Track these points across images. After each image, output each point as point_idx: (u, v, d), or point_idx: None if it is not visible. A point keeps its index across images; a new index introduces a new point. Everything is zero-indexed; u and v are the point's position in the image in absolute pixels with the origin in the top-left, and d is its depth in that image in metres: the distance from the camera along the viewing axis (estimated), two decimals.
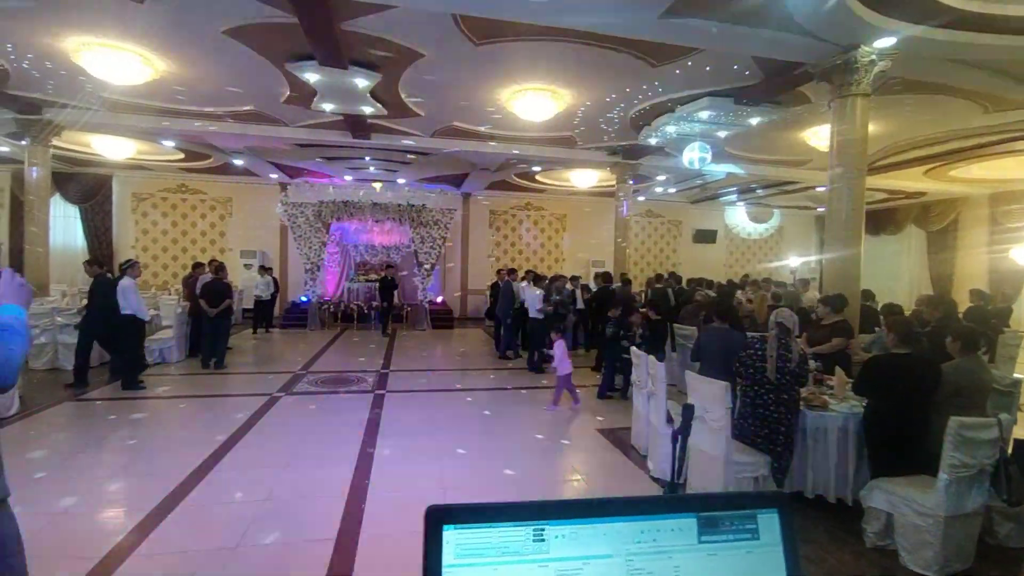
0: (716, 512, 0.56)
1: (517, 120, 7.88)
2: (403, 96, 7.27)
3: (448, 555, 0.49)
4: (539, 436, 5.11)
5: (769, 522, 0.59)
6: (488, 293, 12.70)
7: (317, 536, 3.09)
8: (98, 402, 5.90)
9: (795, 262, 15.31)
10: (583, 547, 0.53)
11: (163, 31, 5.48)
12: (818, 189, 12.13)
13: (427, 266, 12.92)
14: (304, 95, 7.23)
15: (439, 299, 14.02)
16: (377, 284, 12.32)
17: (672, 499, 0.61)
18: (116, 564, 2.75)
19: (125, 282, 6.47)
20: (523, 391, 6.86)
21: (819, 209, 15.04)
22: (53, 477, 3.80)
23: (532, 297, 8.35)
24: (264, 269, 12.13)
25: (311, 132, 9.09)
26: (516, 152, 9.87)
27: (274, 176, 13.20)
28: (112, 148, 10.24)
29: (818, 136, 8.32)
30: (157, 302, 9.06)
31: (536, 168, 11.65)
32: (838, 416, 3.63)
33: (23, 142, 8.75)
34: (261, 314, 11.54)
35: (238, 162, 11.58)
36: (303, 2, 4.59)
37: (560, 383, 6.04)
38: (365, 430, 5.05)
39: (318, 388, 6.71)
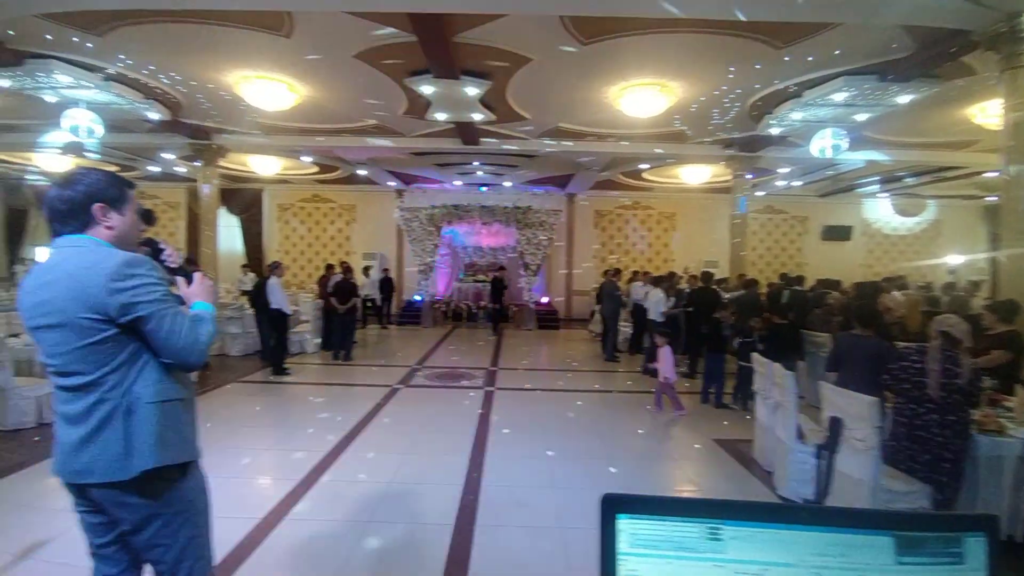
0: (918, 532, 0.51)
1: (624, 118, 7.70)
2: (511, 101, 7.47)
3: (623, 543, 0.50)
4: (650, 441, 4.96)
5: (976, 547, 0.52)
6: (594, 294, 12.57)
7: (437, 521, 3.28)
8: (256, 384, 6.82)
9: (955, 260, 13.16)
10: (762, 552, 0.51)
11: (305, 60, 6.18)
12: (987, 175, 10.31)
13: (533, 267, 13.12)
14: (419, 107, 7.73)
15: (545, 300, 14.16)
16: (488, 284, 12.77)
17: (867, 514, 0.56)
18: (273, 524, 3.16)
19: (272, 281, 7.42)
20: (633, 395, 6.68)
21: (988, 198, 12.78)
22: (221, 447, 4.42)
23: (656, 299, 7.91)
24: (368, 270, 13.12)
25: (426, 141, 9.67)
26: (623, 150, 9.66)
27: (392, 184, 14.25)
28: (263, 166, 11.78)
29: (986, 113, 7.07)
30: (297, 299, 10.22)
31: (644, 166, 11.30)
32: (1016, 443, 3.07)
33: (197, 163, 10.39)
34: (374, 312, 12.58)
35: (361, 172, 12.69)
36: (422, 20, 4.92)
37: (662, 388, 5.85)
38: (478, 424, 5.27)
39: (433, 382, 7.13)
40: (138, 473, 1.44)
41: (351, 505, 3.48)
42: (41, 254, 15.43)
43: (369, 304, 12.42)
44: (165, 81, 6.97)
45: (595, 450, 4.65)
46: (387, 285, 13.32)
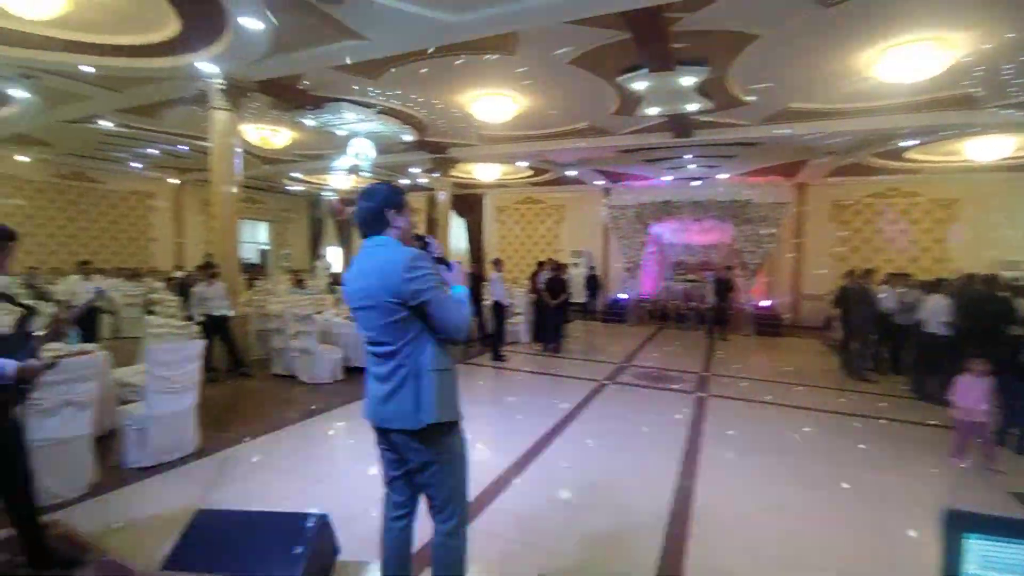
0: None
1: (880, 87, 6.38)
2: (731, 86, 6.86)
3: (970, 564, 0.44)
4: (908, 478, 4.02)
5: None
6: (832, 298, 10.71)
7: (646, 521, 3.24)
8: (477, 367, 7.72)
9: None
10: None
11: (526, 73, 6.70)
12: None
13: (752, 266, 11.86)
14: (630, 104, 7.66)
15: (766, 303, 12.67)
16: (699, 285, 12.02)
17: None
18: (495, 493, 3.54)
19: (493, 275, 8.29)
20: (893, 424, 5.47)
21: None
22: None
23: (935, 307, 6.17)
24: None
25: (635, 137, 9.55)
26: (881, 126, 8.00)
27: (599, 182, 14.46)
28: (486, 172, 13.19)
29: None
30: (512, 292, 11.18)
31: (908, 143, 9.17)
32: None
33: (435, 175, 12.19)
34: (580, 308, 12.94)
35: (570, 173, 13.19)
36: (637, 16, 4.87)
37: (968, 430, 4.29)
38: (689, 430, 5.02)
39: (641, 381, 7.03)
40: (424, 425, 1.80)
41: (563, 489, 3.68)
42: (333, 253, 20.10)
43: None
44: (416, 108, 8.35)
45: (835, 478, 3.98)
46: (593, 282, 13.60)
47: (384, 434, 1.95)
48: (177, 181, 15.92)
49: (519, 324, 9.89)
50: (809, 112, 7.80)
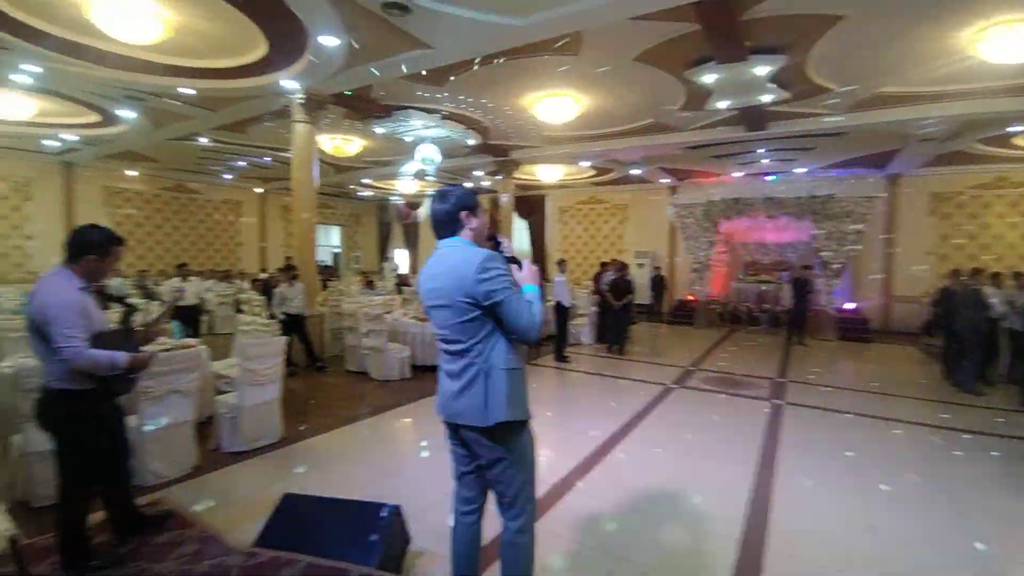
0: None
1: (983, 67, 5.75)
2: (811, 73, 6.44)
3: None
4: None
5: None
6: (931, 301, 9.76)
7: (719, 530, 3.12)
8: (540, 367, 7.74)
9: None
10: None
11: (589, 73, 6.64)
12: None
13: (834, 266, 11.05)
14: (698, 98, 7.39)
15: (850, 305, 11.76)
16: (773, 286, 11.38)
17: None
18: (558, 496, 3.54)
19: (556, 276, 8.25)
20: (1010, 440, 4.89)
21: None
22: None
23: None
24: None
25: (703, 133, 9.19)
26: (983, 110, 7.21)
27: (664, 180, 14.05)
28: (548, 174, 13.20)
29: None
30: (575, 293, 11.11)
31: (1017, 128, 8.20)
32: None
33: (498, 177, 12.34)
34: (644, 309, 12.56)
35: (635, 172, 12.91)
36: (707, 6, 4.69)
37: None
38: (764, 439, 4.76)
39: (710, 386, 6.75)
40: (493, 423, 1.84)
41: (629, 493, 3.61)
42: (400, 255, 20.90)
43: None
44: (479, 112, 8.51)
45: (938, 501, 3.63)
46: (658, 283, 13.24)
47: (455, 429, 2.01)
48: (261, 190, 17.21)
49: (582, 326, 9.81)
50: (901, 96, 7.17)
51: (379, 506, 2.62)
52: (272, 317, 6.84)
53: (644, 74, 6.60)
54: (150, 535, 2.76)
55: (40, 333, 2.28)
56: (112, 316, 2.89)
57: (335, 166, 13.29)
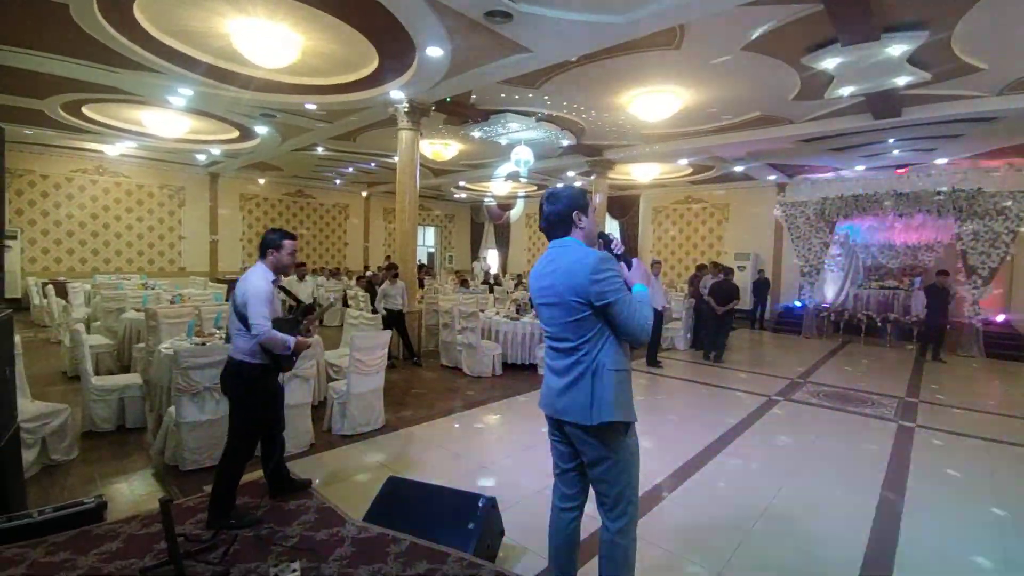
0: None
1: None
2: (957, 50, 5.64)
3: None
4: None
5: None
6: None
7: (834, 557, 2.84)
8: (633, 373, 7.51)
9: None
10: None
11: (692, 66, 6.35)
12: None
13: (982, 272, 9.59)
14: (816, 86, 6.78)
15: (1000, 318, 10.15)
16: (899, 292, 10.13)
17: None
18: (651, 504, 3.42)
19: (653, 279, 8.01)
20: None
21: None
22: None
23: None
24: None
25: (821, 124, 8.41)
26: None
27: (771, 177, 13.06)
28: (643, 173, 12.83)
29: None
30: (669, 297, 10.69)
31: None
32: None
33: (591, 177, 12.21)
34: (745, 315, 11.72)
35: (738, 169, 12.13)
36: None
37: None
38: (888, 462, 4.26)
39: (821, 401, 6.17)
40: (598, 423, 1.84)
41: (728, 508, 3.40)
42: (491, 256, 21.44)
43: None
44: (574, 113, 8.48)
45: None
46: (762, 287, 12.35)
47: (559, 426, 2.02)
48: (366, 193, 18.54)
49: (676, 330, 9.41)
50: None
51: (477, 496, 2.71)
52: (375, 312, 7.33)
53: (753, 64, 6.19)
54: (283, 500, 3.10)
55: (239, 313, 2.79)
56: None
57: (433, 170, 13.95)
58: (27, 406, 3.71)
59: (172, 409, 3.79)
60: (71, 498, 2.97)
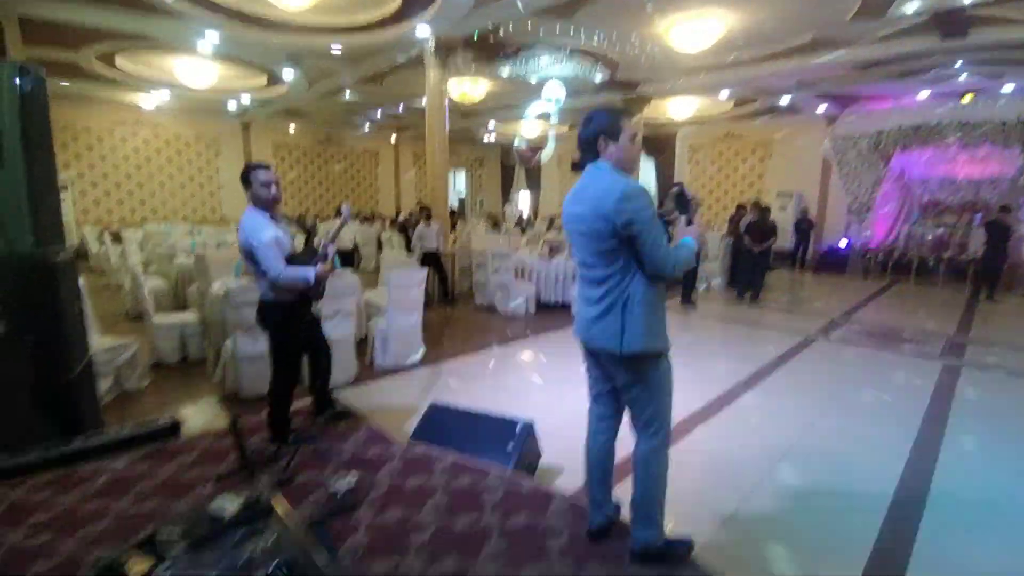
0: None
1: None
2: None
3: None
4: None
5: None
6: None
7: (862, 490, 2.87)
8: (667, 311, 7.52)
9: None
10: None
11: None
12: None
13: None
14: (877, 4, 6.18)
15: None
16: (958, 230, 9.55)
17: None
18: (684, 433, 3.51)
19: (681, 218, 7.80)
20: None
21: None
22: None
23: None
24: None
25: (882, 47, 7.71)
26: None
27: (820, 111, 12.20)
28: (679, 110, 12.19)
29: None
30: (706, 237, 10.42)
31: None
32: None
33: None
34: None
35: (783, 102, 11.37)
36: None
37: None
38: (930, 400, 4.20)
39: (861, 341, 6.05)
40: (629, 352, 1.89)
41: (759, 439, 3.47)
42: (523, 197, 21.20)
43: None
44: (608, 45, 8.02)
45: None
46: (804, 227, 11.89)
47: (592, 353, 2.09)
48: (394, 139, 18.39)
49: (712, 272, 9.24)
50: None
51: (514, 421, 2.85)
52: (410, 253, 7.46)
53: None
54: (332, 425, 3.34)
55: (251, 258, 2.83)
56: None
57: (461, 112, 13.63)
58: (98, 340, 4.04)
59: (228, 343, 4.04)
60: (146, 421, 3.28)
